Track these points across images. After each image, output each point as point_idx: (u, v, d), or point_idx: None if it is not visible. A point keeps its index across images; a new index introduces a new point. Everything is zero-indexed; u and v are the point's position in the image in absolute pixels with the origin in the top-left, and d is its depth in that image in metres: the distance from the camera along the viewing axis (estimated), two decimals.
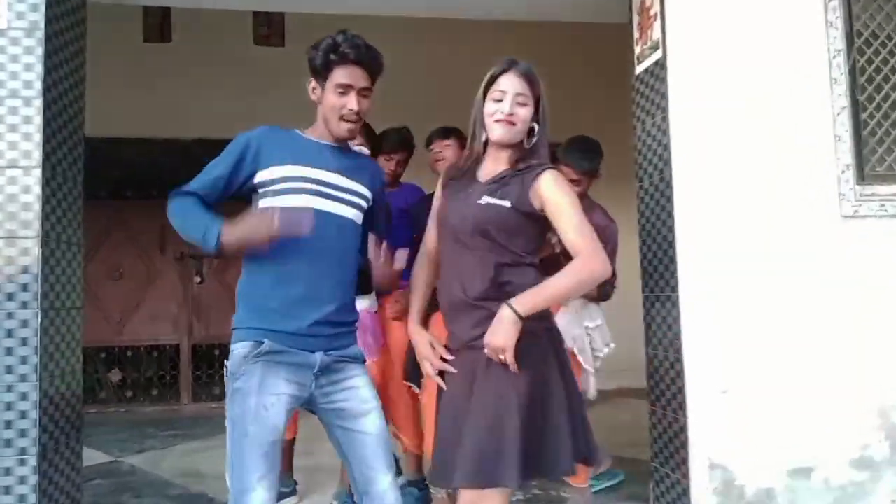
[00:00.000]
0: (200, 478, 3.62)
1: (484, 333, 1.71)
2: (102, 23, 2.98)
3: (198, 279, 5.91)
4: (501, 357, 1.68)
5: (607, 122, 4.15)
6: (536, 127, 1.85)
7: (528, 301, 1.70)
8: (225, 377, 1.80)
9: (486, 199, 1.79)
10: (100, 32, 2.88)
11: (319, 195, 1.82)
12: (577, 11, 3.27)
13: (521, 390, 1.71)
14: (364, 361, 1.94)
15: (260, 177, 1.82)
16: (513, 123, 1.81)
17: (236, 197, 1.87)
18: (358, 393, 1.85)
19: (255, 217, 1.73)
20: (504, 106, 1.80)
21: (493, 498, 1.74)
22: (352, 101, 1.82)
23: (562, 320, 2.70)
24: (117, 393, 6.00)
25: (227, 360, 1.79)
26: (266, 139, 1.85)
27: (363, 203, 1.92)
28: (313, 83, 1.88)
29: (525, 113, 1.82)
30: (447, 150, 2.97)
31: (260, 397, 1.72)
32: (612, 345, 3.21)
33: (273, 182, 1.80)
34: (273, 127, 1.90)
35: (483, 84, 1.86)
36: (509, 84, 1.81)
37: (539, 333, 1.76)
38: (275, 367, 1.74)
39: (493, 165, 1.87)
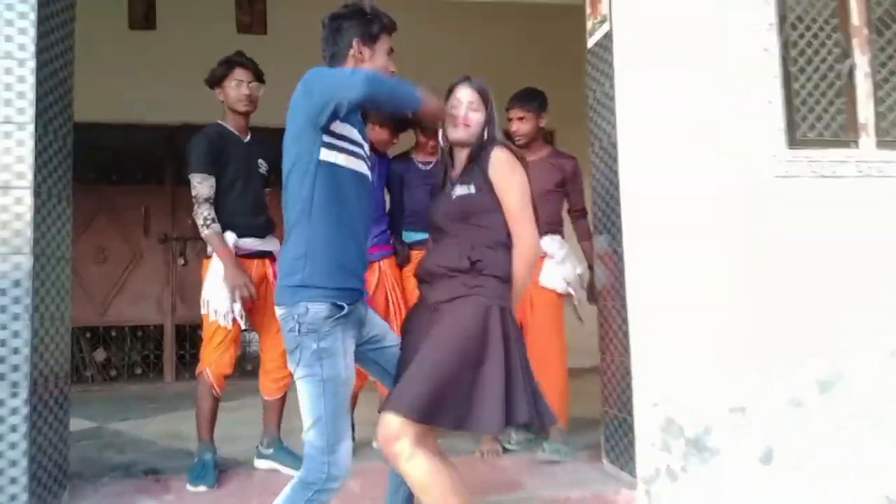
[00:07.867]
0: (182, 438, 3.76)
1: (453, 300, 2.01)
2: (89, 9, 3.15)
3: (181, 261, 6.05)
4: None
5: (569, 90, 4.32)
6: (487, 130, 2.15)
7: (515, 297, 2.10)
8: (294, 332, 1.91)
9: (457, 191, 2.11)
10: (86, 19, 3.02)
11: (361, 158, 2.06)
12: None
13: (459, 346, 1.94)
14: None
15: (334, 126, 1.97)
16: (467, 125, 2.13)
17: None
18: (376, 321, 2.16)
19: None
20: (460, 112, 2.13)
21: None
22: (393, 63, 2.17)
23: (552, 269, 3.22)
24: (102, 372, 6.14)
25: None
26: None
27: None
28: (358, 47, 2.07)
29: (477, 117, 2.14)
30: None
31: (345, 360, 1.94)
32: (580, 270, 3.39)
33: (341, 137, 1.98)
34: None
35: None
36: (463, 95, 2.14)
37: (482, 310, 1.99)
38: (348, 329, 1.96)
39: (460, 163, 2.19)
